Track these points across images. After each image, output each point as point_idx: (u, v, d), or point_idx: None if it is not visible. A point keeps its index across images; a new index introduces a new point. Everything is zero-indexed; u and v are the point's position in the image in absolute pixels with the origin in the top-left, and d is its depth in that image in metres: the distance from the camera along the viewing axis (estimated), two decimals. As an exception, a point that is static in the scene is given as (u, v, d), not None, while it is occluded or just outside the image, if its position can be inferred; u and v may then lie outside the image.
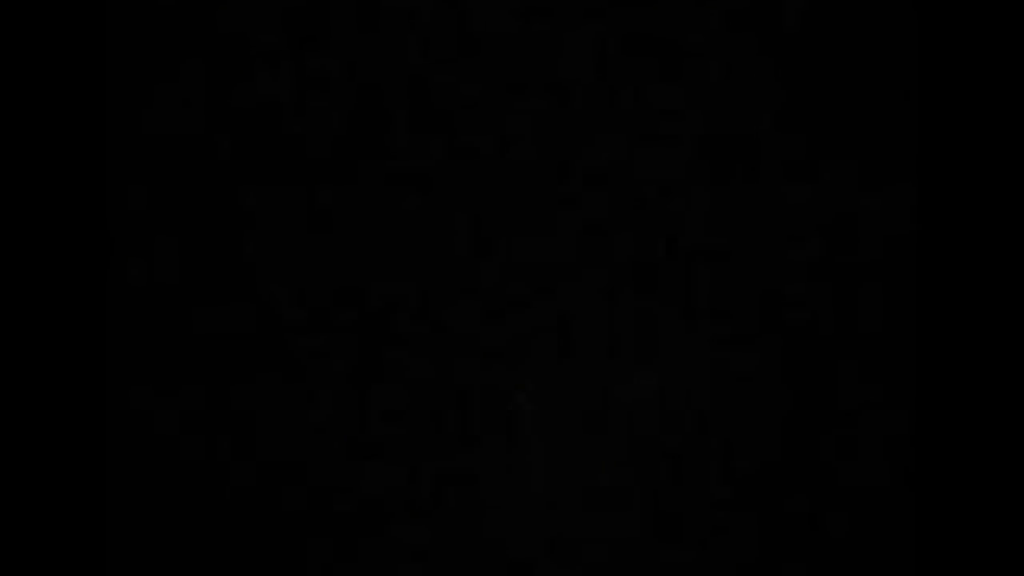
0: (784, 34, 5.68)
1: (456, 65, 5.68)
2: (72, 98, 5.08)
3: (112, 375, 5.54)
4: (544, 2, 5.69)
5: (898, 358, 5.56)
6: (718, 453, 5.57)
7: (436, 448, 5.59)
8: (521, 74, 5.68)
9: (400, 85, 5.68)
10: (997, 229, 4.99)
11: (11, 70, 5.04)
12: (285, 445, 5.58)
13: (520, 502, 5.57)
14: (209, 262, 5.63)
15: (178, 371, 5.59)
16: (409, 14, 5.69)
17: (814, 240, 5.64)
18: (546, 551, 5.55)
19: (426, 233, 5.66)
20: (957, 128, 5.05)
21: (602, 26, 5.68)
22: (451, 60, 5.68)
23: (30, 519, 4.86)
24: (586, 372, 5.62)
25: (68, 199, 5.04)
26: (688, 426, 5.60)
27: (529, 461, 5.59)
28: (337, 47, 5.67)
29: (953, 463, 4.91)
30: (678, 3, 5.69)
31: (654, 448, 5.59)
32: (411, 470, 5.58)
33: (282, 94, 5.67)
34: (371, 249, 5.65)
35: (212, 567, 5.52)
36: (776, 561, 5.54)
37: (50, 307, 5.01)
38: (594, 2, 5.69)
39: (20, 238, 5.00)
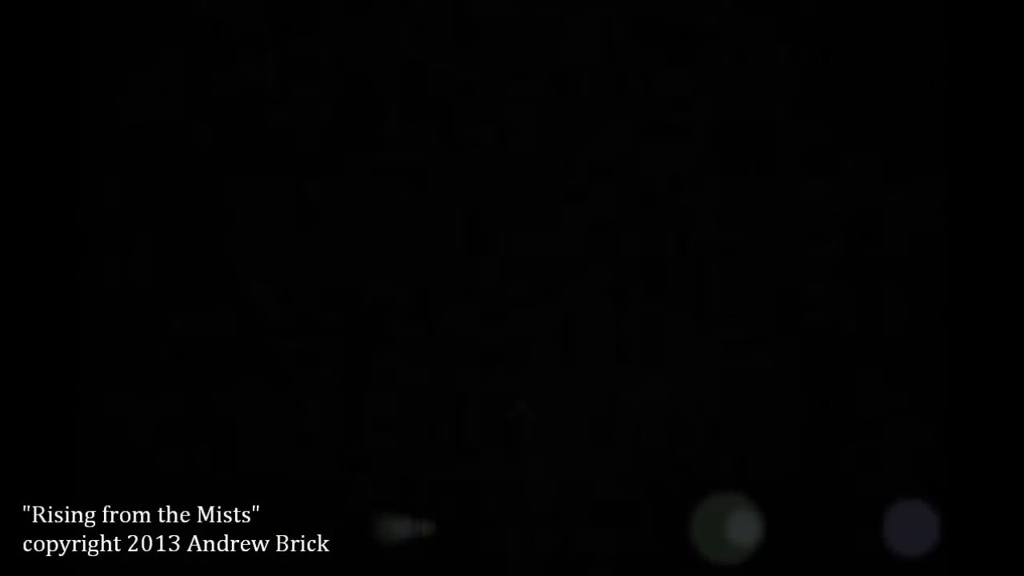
0: (802, 17, 5.64)
1: (452, 50, 5.66)
2: (41, 85, 5.12)
3: (85, 380, 5.47)
4: (546, -17, 5.71)
5: (926, 363, 5.51)
6: (732, 465, 5.54)
7: (431, 459, 5.56)
8: (522, 60, 5.66)
9: (392, 72, 5.65)
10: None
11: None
12: (269, 456, 5.54)
13: (521, 517, 5.54)
14: (188, 261, 5.59)
15: (155, 376, 5.54)
16: (402, -4, 5.68)
17: (835, 237, 5.60)
18: (548, 569, 5.53)
19: (420, 229, 5.63)
20: (988, 117, 5.05)
21: (608, 8, 5.64)
22: (447, 45, 5.66)
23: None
24: (591, 377, 5.59)
25: (36, 193, 5.08)
26: (700, 436, 5.57)
27: (531, 473, 5.56)
28: (325, 31, 5.64)
29: (985, 476, 4.91)
30: (689, -16, 5.70)
31: (663, 459, 5.56)
32: (405, 482, 5.55)
33: (266, 81, 5.64)
34: (361, 246, 5.62)
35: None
36: (795, 581, 5.52)
37: (18, 309, 5.04)
38: (600, -17, 5.70)
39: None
